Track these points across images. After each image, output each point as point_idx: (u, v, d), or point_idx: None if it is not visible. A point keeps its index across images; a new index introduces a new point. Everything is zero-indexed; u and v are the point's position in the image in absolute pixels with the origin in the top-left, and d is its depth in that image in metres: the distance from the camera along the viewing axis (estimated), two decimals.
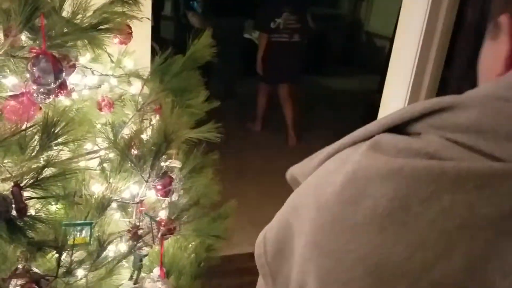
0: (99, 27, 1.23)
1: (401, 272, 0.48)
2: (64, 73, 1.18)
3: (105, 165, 1.33)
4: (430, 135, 0.53)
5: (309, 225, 0.55)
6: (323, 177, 0.59)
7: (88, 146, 1.41)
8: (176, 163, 1.33)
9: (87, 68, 1.44)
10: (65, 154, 1.24)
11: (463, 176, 0.47)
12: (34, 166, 1.08)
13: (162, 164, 1.26)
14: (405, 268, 0.48)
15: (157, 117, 1.47)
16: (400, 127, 0.56)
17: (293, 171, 0.69)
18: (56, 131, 1.04)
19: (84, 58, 1.45)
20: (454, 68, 1.93)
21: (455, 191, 0.47)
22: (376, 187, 0.51)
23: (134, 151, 1.25)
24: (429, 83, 1.95)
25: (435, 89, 1.97)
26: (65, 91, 1.27)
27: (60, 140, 1.04)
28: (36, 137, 1.04)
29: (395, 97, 2.04)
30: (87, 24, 1.26)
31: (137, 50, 1.63)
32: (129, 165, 1.19)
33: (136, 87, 1.54)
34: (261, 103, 5.05)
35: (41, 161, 1.09)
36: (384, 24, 6.42)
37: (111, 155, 1.34)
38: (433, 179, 0.48)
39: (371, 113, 2.09)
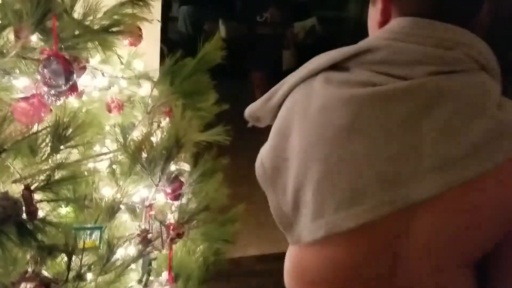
0: (111, 29, 1.22)
1: (363, 158, 0.76)
2: (74, 75, 1.17)
3: (114, 167, 1.32)
4: (359, 70, 0.81)
5: (299, 146, 0.81)
6: (298, 110, 0.84)
7: (97, 147, 1.40)
8: (186, 167, 1.32)
9: (97, 69, 1.43)
10: (74, 155, 1.23)
11: (388, 93, 0.77)
12: (44, 168, 1.07)
13: (172, 167, 1.25)
14: (366, 155, 0.76)
15: (167, 119, 1.46)
16: (333, 66, 0.83)
17: (252, 110, 0.94)
18: (67, 134, 1.03)
19: (94, 59, 1.44)
20: None
21: (385, 103, 0.76)
22: (338, 112, 0.78)
23: (144, 154, 1.24)
24: None
25: None
26: (75, 92, 1.26)
27: (71, 143, 1.03)
28: (47, 139, 1.03)
29: None
30: (98, 26, 1.25)
31: (146, 52, 1.62)
32: (139, 168, 1.18)
33: (145, 89, 1.53)
34: (257, 94, 5.37)
35: (52, 164, 1.08)
36: None
37: (120, 157, 1.34)
38: (371, 99, 0.77)
39: None
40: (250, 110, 0.96)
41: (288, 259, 0.93)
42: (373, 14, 0.89)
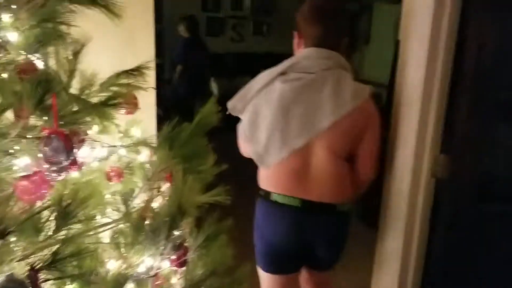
0: (109, 103, 1.25)
1: (301, 114, 1.86)
2: (75, 150, 1.18)
3: (116, 236, 1.31)
4: (293, 73, 1.88)
5: (269, 116, 1.86)
6: (265, 99, 1.88)
7: (97, 217, 1.39)
8: (189, 231, 1.31)
9: (95, 141, 1.44)
10: (76, 228, 1.22)
11: (307, 82, 1.86)
12: (48, 246, 1.06)
13: (176, 233, 1.24)
14: (302, 113, 1.85)
15: (167, 185, 1.46)
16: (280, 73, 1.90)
17: (234, 103, 1.95)
18: (71, 210, 1.03)
19: (92, 130, 1.45)
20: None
21: (307, 87, 1.86)
22: (288, 95, 1.85)
23: (147, 222, 1.24)
24: (434, 129, 1.97)
25: (439, 134, 1.99)
26: (75, 166, 1.27)
27: (74, 219, 1.03)
28: (51, 217, 1.03)
29: (403, 147, 2.04)
30: (95, 98, 1.27)
31: (143, 118, 1.64)
32: (143, 237, 1.17)
33: (144, 155, 1.54)
34: None
35: (55, 240, 1.07)
36: (379, 72, 6.29)
37: (122, 226, 1.33)
38: (302, 86, 1.86)
39: None
40: (233, 103, 1.95)
41: (262, 175, 1.97)
42: (295, 43, 1.99)
